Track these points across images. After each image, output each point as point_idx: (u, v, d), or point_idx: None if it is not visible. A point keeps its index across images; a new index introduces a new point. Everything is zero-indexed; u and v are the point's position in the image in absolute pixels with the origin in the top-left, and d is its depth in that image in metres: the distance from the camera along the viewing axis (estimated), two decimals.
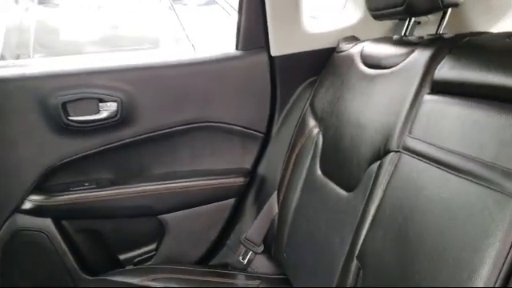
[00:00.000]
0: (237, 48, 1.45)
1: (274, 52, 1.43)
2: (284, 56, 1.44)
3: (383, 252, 0.83)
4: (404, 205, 0.82)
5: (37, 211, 1.37)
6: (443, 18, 1.06)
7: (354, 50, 1.27)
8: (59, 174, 1.39)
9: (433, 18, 1.20)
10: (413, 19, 1.15)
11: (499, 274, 0.61)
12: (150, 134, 1.42)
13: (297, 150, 1.34)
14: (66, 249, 1.40)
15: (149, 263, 1.47)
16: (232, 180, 1.47)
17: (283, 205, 1.34)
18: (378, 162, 0.95)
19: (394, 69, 1.03)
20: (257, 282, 1.33)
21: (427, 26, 1.21)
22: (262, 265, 1.41)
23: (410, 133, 0.88)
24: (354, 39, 1.39)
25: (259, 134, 1.48)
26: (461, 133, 0.75)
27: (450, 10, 1.04)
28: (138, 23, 3.71)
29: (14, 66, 1.51)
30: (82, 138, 1.38)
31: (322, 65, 1.40)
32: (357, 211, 0.97)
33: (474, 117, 0.74)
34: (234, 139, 1.48)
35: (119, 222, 1.45)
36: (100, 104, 1.36)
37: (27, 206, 1.37)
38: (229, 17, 3.24)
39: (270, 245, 1.39)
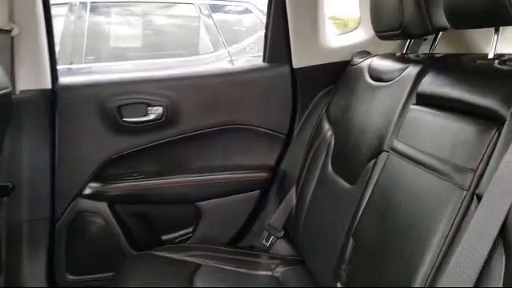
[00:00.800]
0: (264, 60, 1.70)
1: (296, 64, 1.67)
2: (304, 68, 1.67)
3: (370, 231, 1.05)
4: (387, 194, 1.03)
5: (95, 196, 1.65)
6: (435, 39, 1.26)
7: (364, 64, 1.48)
8: (114, 165, 1.66)
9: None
10: (412, 40, 1.35)
11: (443, 244, 0.81)
12: (190, 134, 1.68)
13: (313, 150, 1.56)
14: (119, 228, 1.67)
15: (186, 243, 1.72)
16: (258, 174, 1.71)
17: (300, 196, 1.56)
18: (374, 160, 1.16)
19: (391, 82, 1.24)
20: (277, 262, 1.55)
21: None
22: (282, 247, 1.64)
23: (397, 136, 1.09)
24: (366, 54, 1.60)
25: (282, 136, 1.71)
26: (430, 136, 0.96)
27: (440, 33, 1.24)
28: (180, 30, 3.99)
29: (80, 74, 1.80)
30: (133, 136, 1.65)
31: (337, 76, 1.62)
32: (355, 200, 1.18)
33: (440, 124, 0.95)
34: (260, 139, 1.71)
35: (162, 207, 1.72)
36: (148, 108, 1.63)
37: (87, 191, 1.65)
38: (261, 24, 3.47)
39: (289, 230, 1.61)
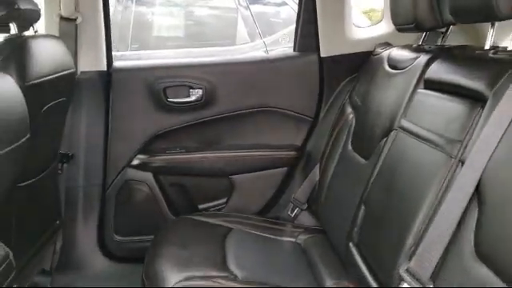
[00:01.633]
0: (294, 50, 1.87)
1: (323, 54, 1.83)
2: (331, 57, 1.84)
3: (377, 197, 1.22)
4: (393, 165, 1.19)
5: (142, 167, 1.88)
6: (446, 32, 1.40)
7: (384, 54, 1.63)
8: (159, 140, 1.88)
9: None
10: (428, 32, 1.49)
11: (434, 201, 0.97)
12: (226, 115, 1.88)
13: (336, 132, 1.73)
14: (161, 196, 1.89)
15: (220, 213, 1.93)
16: (285, 153, 1.89)
17: (323, 173, 1.73)
18: (385, 139, 1.32)
19: (404, 70, 1.39)
20: (300, 230, 1.72)
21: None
22: (305, 218, 1.82)
23: (405, 117, 1.25)
24: (387, 45, 1.74)
25: (308, 119, 1.88)
26: (431, 115, 1.12)
27: (451, 26, 1.38)
28: (219, 21, 4.18)
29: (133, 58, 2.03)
30: (176, 115, 1.86)
31: (360, 65, 1.77)
32: (368, 173, 1.34)
33: (440, 104, 1.10)
34: (288, 121, 1.89)
35: (200, 179, 1.93)
36: (190, 90, 1.84)
37: (135, 162, 1.88)
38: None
39: (312, 203, 1.79)
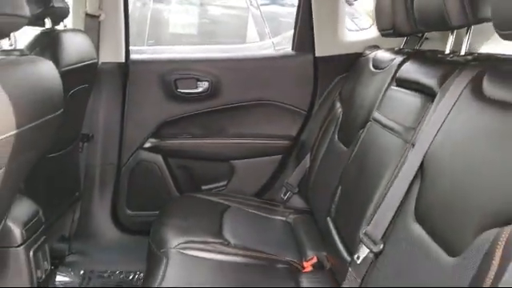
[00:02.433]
0: (292, 49, 2.08)
1: (318, 54, 2.04)
2: (325, 57, 2.04)
3: (350, 178, 1.43)
4: (365, 151, 1.40)
5: (153, 149, 2.11)
6: (421, 37, 1.59)
7: (371, 55, 1.83)
8: (169, 126, 2.11)
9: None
10: (408, 38, 1.69)
11: (391, 177, 1.17)
12: (229, 105, 2.10)
13: (326, 124, 1.93)
14: (169, 176, 2.12)
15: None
16: (281, 142, 2.11)
17: (313, 161, 1.94)
18: (362, 129, 1.52)
19: (383, 69, 1.59)
20: (290, 211, 1.93)
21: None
22: (296, 201, 2.02)
23: (378, 109, 1.45)
24: (375, 48, 1.94)
25: (303, 112, 2.09)
26: (396, 108, 1.32)
27: (425, 33, 1.57)
28: (232, 20, 4.39)
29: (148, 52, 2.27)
30: (185, 104, 2.08)
31: (351, 65, 1.97)
32: (346, 159, 1.55)
33: (403, 98, 1.31)
34: (285, 114, 2.10)
35: (204, 162, 2.15)
36: (198, 82, 2.06)
37: (147, 145, 2.10)
38: None
39: (302, 188, 2.00)
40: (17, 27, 0.98)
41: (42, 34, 1.54)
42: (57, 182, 1.70)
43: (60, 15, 1.64)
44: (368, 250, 1.13)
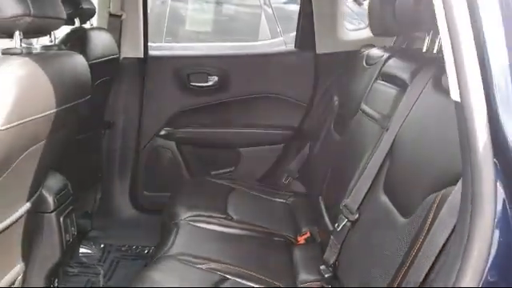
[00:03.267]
0: (295, 46, 2.28)
1: (319, 51, 2.23)
2: (325, 54, 2.23)
3: (339, 160, 1.62)
4: (352, 137, 1.59)
5: (167, 137, 2.33)
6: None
7: (365, 53, 2.00)
8: (182, 116, 2.33)
9: None
10: (397, 37, 1.86)
11: (368, 157, 1.36)
12: (236, 98, 2.30)
13: (324, 116, 2.12)
14: (182, 162, 2.34)
15: None
16: (283, 132, 2.31)
17: (311, 149, 2.14)
18: (353, 118, 1.71)
19: (373, 65, 1.77)
20: (290, 194, 2.11)
21: None
22: (296, 186, 2.22)
23: (365, 101, 1.64)
24: (371, 46, 2.11)
25: (304, 104, 2.29)
26: (378, 98, 1.51)
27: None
28: (246, 18, 4.58)
29: (163, 49, 2.49)
30: (196, 96, 2.30)
31: (349, 62, 2.15)
32: (338, 146, 1.74)
33: (384, 90, 1.49)
34: (287, 106, 2.30)
35: (213, 150, 2.36)
36: (208, 76, 2.27)
37: (162, 133, 2.33)
38: None
39: (302, 173, 2.19)
40: (56, 27, 1.21)
41: (72, 31, 1.76)
42: (82, 163, 1.93)
43: (87, 15, 1.87)
44: (346, 219, 1.32)
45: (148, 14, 2.31)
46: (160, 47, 2.53)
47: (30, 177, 1.20)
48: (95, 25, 2.10)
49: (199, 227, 1.68)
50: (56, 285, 1.69)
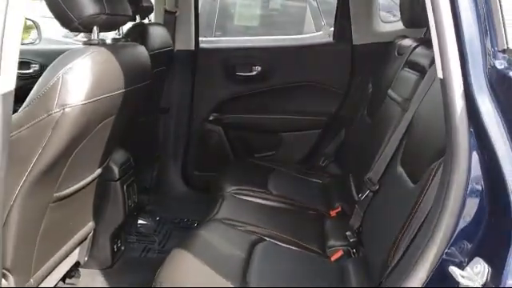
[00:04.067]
0: (333, 38, 2.45)
1: (355, 42, 2.39)
2: (361, 45, 2.39)
3: (367, 141, 1.78)
4: (379, 119, 1.76)
5: (215, 122, 2.57)
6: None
7: (398, 43, 2.15)
8: (228, 103, 2.56)
9: None
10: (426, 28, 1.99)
11: (390, 136, 1.52)
12: (278, 87, 2.51)
13: (359, 103, 2.28)
14: (228, 145, 2.57)
15: None
16: (321, 118, 2.49)
17: (346, 134, 2.31)
18: (382, 104, 1.87)
19: (402, 55, 1.92)
20: (327, 175, 2.30)
21: None
22: (332, 167, 2.40)
23: (392, 87, 1.79)
24: (404, 37, 2.24)
25: (341, 92, 2.46)
26: (402, 85, 1.66)
27: None
28: (292, 12, 4.75)
29: (213, 42, 2.74)
30: (242, 85, 2.52)
31: (383, 52, 2.29)
32: (369, 128, 1.90)
33: (409, 76, 1.64)
34: (325, 94, 2.48)
35: (256, 134, 2.58)
36: (252, 67, 2.48)
37: (211, 118, 2.57)
38: None
39: (338, 156, 2.37)
40: (124, 23, 1.46)
41: (134, 26, 2.03)
42: (142, 143, 2.20)
43: (146, 12, 2.13)
44: (368, 190, 1.50)
45: (199, 11, 2.55)
46: (209, 41, 2.78)
47: (102, 146, 1.47)
48: (153, 20, 2.36)
49: (242, 199, 1.90)
50: (119, 245, 1.98)
